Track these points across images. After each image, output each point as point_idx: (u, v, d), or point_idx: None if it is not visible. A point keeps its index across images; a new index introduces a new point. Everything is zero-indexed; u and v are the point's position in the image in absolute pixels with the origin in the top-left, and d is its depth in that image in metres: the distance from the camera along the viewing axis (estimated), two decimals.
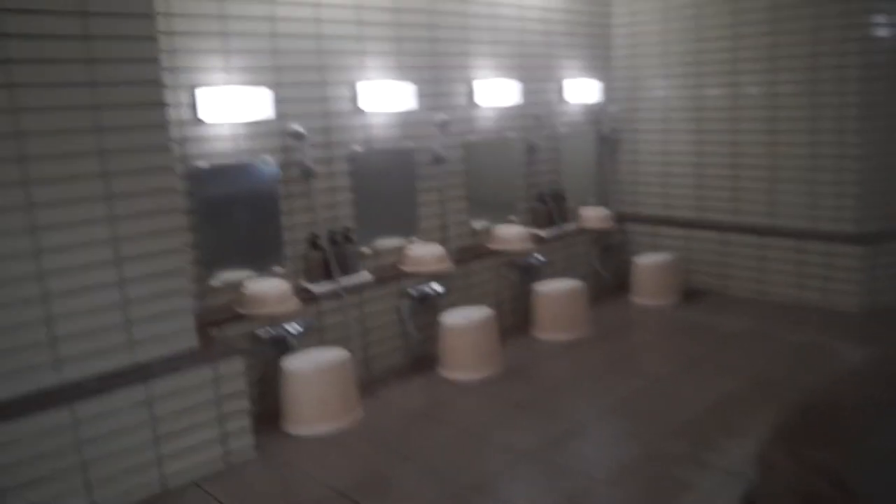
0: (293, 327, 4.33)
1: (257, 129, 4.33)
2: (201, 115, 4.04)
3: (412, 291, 5.00)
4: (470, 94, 5.55)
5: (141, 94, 3.37)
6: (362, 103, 4.79)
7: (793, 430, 3.07)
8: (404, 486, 3.41)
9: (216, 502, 3.35)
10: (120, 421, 3.31)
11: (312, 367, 4.03)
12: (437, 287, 5.08)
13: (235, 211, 4.30)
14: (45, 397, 3.15)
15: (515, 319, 5.82)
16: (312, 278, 4.62)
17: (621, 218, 6.89)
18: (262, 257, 4.45)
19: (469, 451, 3.73)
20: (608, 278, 6.69)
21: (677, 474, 3.40)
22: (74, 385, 3.27)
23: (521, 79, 5.92)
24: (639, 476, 3.41)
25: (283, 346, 4.33)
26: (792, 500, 2.54)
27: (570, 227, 6.33)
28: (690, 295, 6.36)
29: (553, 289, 5.43)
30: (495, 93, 5.65)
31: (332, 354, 4.17)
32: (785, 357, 4.81)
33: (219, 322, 4.11)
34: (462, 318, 4.78)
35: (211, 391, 3.60)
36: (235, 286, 4.32)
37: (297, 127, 4.38)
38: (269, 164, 4.40)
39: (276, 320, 4.31)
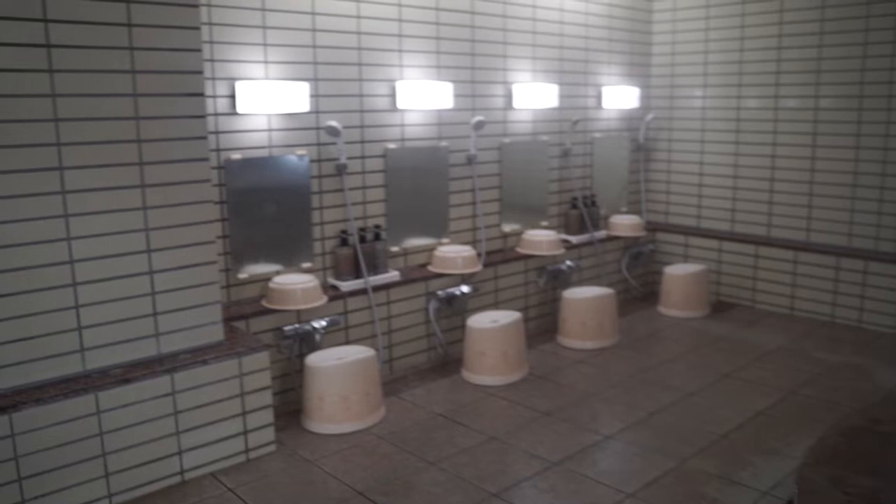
0: (319, 323, 4.29)
1: (292, 123, 4.30)
2: (239, 107, 4.01)
3: (440, 292, 4.95)
4: (506, 95, 5.49)
5: (181, 83, 3.34)
6: (399, 101, 4.74)
7: (834, 454, 2.99)
8: (426, 490, 3.36)
9: (234, 496, 3.31)
10: (143, 411, 3.28)
11: (337, 364, 3.99)
12: (464, 289, 5.02)
13: (267, 204, 4.27)
14: (70, 384, 3.13)
15: (542, 325, 5.76)
16: (340, 275, 4.58)
17: (653, 227, 6.80)
18: (290, 252, 4.42)
19: (493, 457, 3.67)
20: (637, 287, 6.61)
21: (708, 492, 3.32)
22: (99, 373, 3.25)
23: (559, 82, 5.85)
24: (668, 492, 3.33)
25: (308, 341, 4.29)
26: None
27: (600, 234, 6.24)
28: (719, 307, 6.26)
29: (582, 295, 5.35)
30: (532, 96, 5.58)
31: (357, 352, 4.13)
32: (819, 376, 4.70)
33: (245, 315, 4.08)
34: (489, 322, 4.71)
35: (235, 385, 3.57)
36: (263, 280, 4.29)
37: (333, 122, 4.34)
38: (302, 158, 4.37)
39: (302, 316, 4.28)
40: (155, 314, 3.40)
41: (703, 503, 3.24)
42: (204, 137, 3.45)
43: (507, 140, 5.58)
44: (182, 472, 3.44)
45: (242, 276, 4.23)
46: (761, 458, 3.63)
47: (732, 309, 6.25)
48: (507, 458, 3.66)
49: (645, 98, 6.76)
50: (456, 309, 5.07)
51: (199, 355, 3.48)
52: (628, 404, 4.30)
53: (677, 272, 6.12)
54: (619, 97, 6.39)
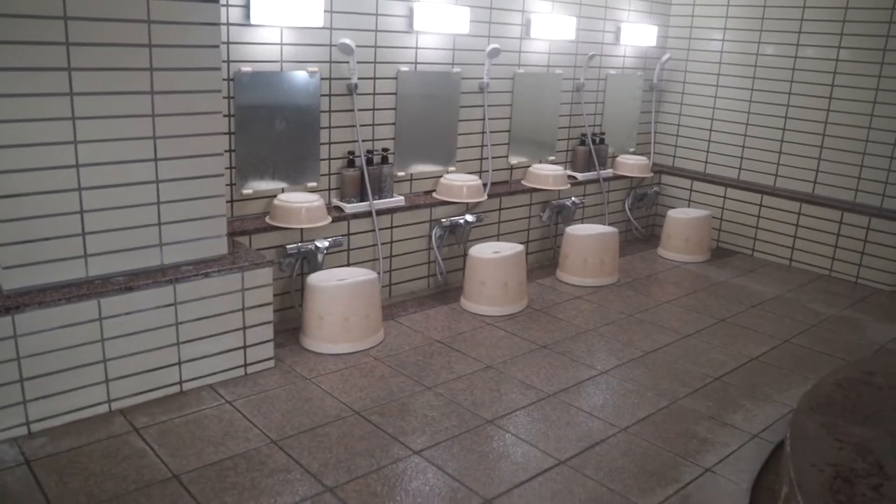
0: (322, 243, 4.28)
1: (305, 38, 4.20)
2: (253, 17, 3.90)
3: (443, 220, 4.93)
4: (524, 24, 5.37)
5: None
6: (415, 22, 4.63)
7: (827, 403, 3.03)
8: (422, 412, 3.40)
9: (231, 408, 3.36)
10: (144, 320, 3.29)
11: (338, 284, 3.99)
12: (468, 218, 5.00)
13: (275, 120, 4.20)
14: (73, 289, 3.13)
15: (542, 259, 5.77)
16: (345, 196, 4.55)
17: (659, 170, 6.75)
18: (296, 170, 4.38)
19: (489, 385, 3.71)
20: (639, 228, 6.60)
21: (700, 432, 3.37)
22: (102, 280, 3.24)
23: (577, 15, 5.72)
24: (660, 428, 3.38)
25: (310, 261, 4.29)
26: (825, 472, 2.50)
27: (606, 172, 6.20)
28: (719, 254, 6.27)
29: (585, 232, 5.34)
30: (549, 26, 5.46)
31: (359, 274, 4.13)
32: (813, 327, 4.73)
33: (248, 231, 4.06)
34: (491, 252, 4.71)
35: (236, 300, 3.57)
36: (267, 197, 4.26)
37: (347, 40, 4.24)
38: (313, 75, 4.28)
39: (305, 235, 4.26)
40: (160, 224, 3.37)
41: (694, 441, 3.29)
42: (217, 46, 3.36)
43: (520, 70, 5.47)
44: (181, 383, 3.48)
45: (247, 191, 4.20)
46: (753, 402, 3.69)
47: (732, 256, 6.26)
48: (502, 387, 3.70)
49: (662, 38, 6.62)
50: (458, 238, 5.06)
51: (201, 268, 3.47)
52: (624, 342, 4.34)
53: (680, 216, 6.10)
54: (637, 34, 6.26)
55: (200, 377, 3.53)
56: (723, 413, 3.56)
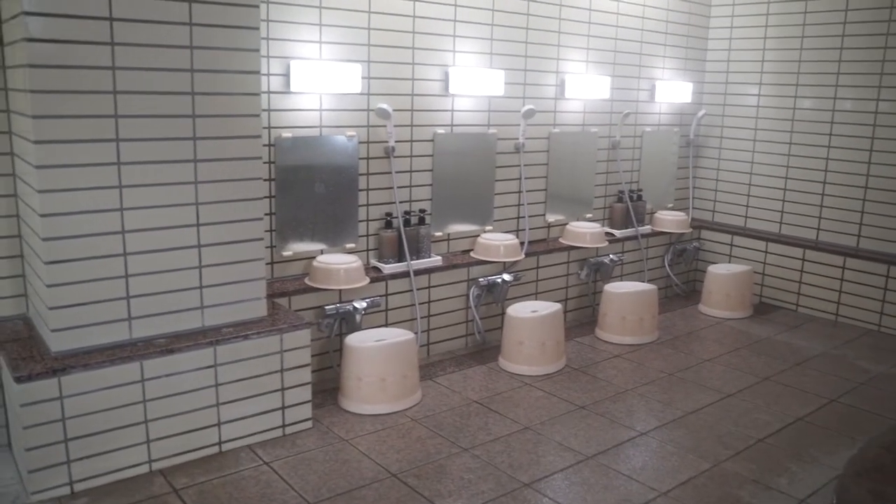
0: (360, 304, 4.33)
1: (343, 104, 4.33)
2: (293, 85, 4.04)
3: (481, 279, 4.95)
4: (558, 85, 5.45)
5: (238, 60, 3.37)
6: (451, 86, 4.74)
7: (875, 467, 2.94)
8: (459, 475, 3.38)
9: (269, 469, 3.37)
10: (185, 381, 3.35)
11: (376, 345, 4.02)
12: (506, 277, 5.02)
13: (314, 183, 4.30)
14: (116, 351, 3.21)
15: (581, 317, 5.74)
16: (383, 257, 4.61)
17: (698, 225, 6.72)
18: (335, 232, 4.46)
19: (527, 447, 3.68)
20: (679, 285, 6.54)
21: (742, 496, 3.29)
22: (145, 342, 3.32)
23: (611, 74, 5.79)
24: (702, 493, 3.30)
25: (348, 321, 4.34)
26: None
27: (645, 228, 6.18)
28: (761, 309, 6.17)
29: (624, 290, 5.32)
30: (584, 86, 5.53)
31: (397, 334, 4.16)
32: (861, 386, 4.61)
33: (287, 293, 4.13)
34: (529, 311, 4.71)
35: (276, 361, 3.62)
36: (307, 258, 4.33)
37: (384, 105, 4.35)
38: (351, 139, 4.39)
39: (343, 295, 4.32)
40: (201, 287, 3.46)
41: None
42: (258, 115, 3.48)
43: (556, 130, 5.54)
44: (220, 444, 3.51)
45: (286, 253, 4.28)
46: (798, 465, 3.59)
47: (775, 312, 6.16)
48: (540, 449, 3.66)
49: (697, 94, 6.66)
50: (496, 297, 5.07)
51: (241, 329, 3.54)
52: (665, 402, 4.27)
53: (721, 271, 6.04)
54: (672, 91, 6.30)
55: (239, 438, 3.57)
56: (767, 477, 3.47)
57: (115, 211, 3.16)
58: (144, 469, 3.30)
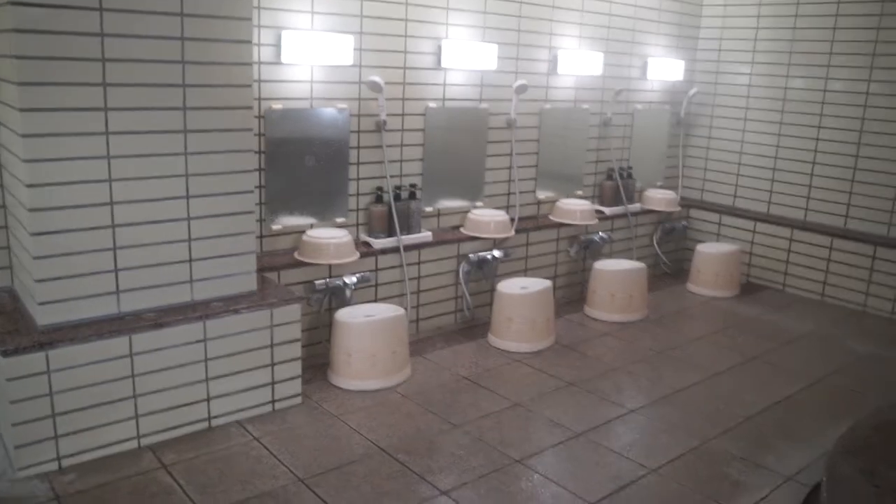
0: (350, 279, 4.30)
1: (335, 76, 4.26)
2: (284, 56, 3.97)
3: (471, 255, 4.93)
4: (551, 61, 5.40)
5: (230, 29, 3.29)
6: (443, 60, 4.67)
7: (865, 446, 2.96)
8: (450, 451, 3.38)
9: (259, 445, 3.35)
10: (174, 356, 3.31)
11: (366, 321, 3.99)
12: (496, 253, 5.00)
13: (304, 156, 4.25)
14: (104, 325, 3.16)
15: (570, 294, 5.73)
16: (373, 232, 4.57)
17: (687, 204, 6.72)
18: (325, 206, 4.41)
19: (517, 423, 3.68)
20: (667, 263, 6.55)
21: (732, 474, 3.31)
22: (133, 316, 3.27)
23: (604, 51, 5.74)
24: (691, 470, 3.32)
25: (338, 296, 4.30)
26: None
27: (634, 206, 6.17)
28: (749, 289, 6.19)
29: (613, 268, 5.31)
30: (576, 62, 5.48)
31: (387, 310, 4.13)
32: (849, 366, 4.64)
33: (277, 267, 4.09)
34: (518, 288, 4.69)
35: (265, 336, 3.58)
36: (296, 232, 4.29)
37: (376, 77, 4.29)
38: (342, 112, 4.33)
39: (333, 270, 4.28)
40: (190, 260, 3.41)
41: (726, 484, 3.23)
42: (249, 86, 3.42)
43: (547, 106, 5.50)
44: (209, 419, 3.48)
45: (276, 227, 4.23)
46: (786, 443, 3.61)
47: (762, 291, 6.19)
48: (530, 426, 3.66)
49: (689, 72, 6.62)
50: (486, 273, 5.05)
51: (231, 304, 3.50)
52: (653, 380, 4.28)
53: (709, 250, 6.05)
54: (664, 69, 6.27)
55: (229, 413, 3.54)
56: (755, 454, 3.49)
57: (103, 182, 3.10)
58: (133, 445, 3.27)
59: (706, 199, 6.80)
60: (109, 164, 3.10)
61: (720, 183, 6.69)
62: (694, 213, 6.73)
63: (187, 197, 3.33)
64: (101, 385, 3.13)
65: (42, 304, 3.05)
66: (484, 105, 5.06)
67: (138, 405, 3.25)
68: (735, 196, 6.60)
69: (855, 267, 5.78)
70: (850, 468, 2.78)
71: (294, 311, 3.67)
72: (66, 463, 3.09)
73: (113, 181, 3.12)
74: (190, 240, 3.38)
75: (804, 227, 6.07)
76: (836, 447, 2.95)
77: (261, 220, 4.13)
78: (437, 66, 4.72)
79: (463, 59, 4.75)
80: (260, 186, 4.08)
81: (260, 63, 3.95)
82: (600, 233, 5.75)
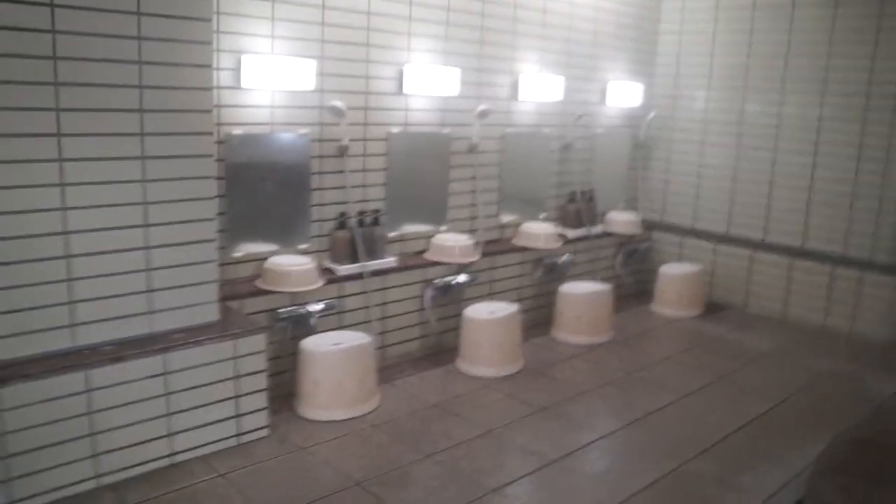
0: (314, 307, 4.19)
1: (296, 101, 4.19)
2: (244, 81, 3.89)
3: (436, 281, 4.86)
4: (512, 85, 5.40)
5: (188, 53, 3.21)
6: (405, 85, 4.64)
7: (842, 464, 2.95)
8: (424, 483, 3.28)
9: (225, 482, 3.22)
10: (134, 391, 3.17)
11: (333, 349, 3.89)
12: (461, 278, 4.94)
13: (265, 182, 4.15)
14: (59, 360, 3.01)
15: (536, 317, 5.69)
16: (337, 259, 4.48)
17: (649, 225, 6.76)
18: (287, 232, 4.31)
19: (490, 451, 3.60)
20: (631, 284, 6.56)
21: (710, 496, 3.27)
22: (90, 350, 3.13)
23: (565, 75, 5.77)
24: (670, 494, 3.28)
25: (302, 325, 4.19)
26: None
27: (596, 229, 6.18)
28: (711, 308, 6.22)
29: (579, 290, 5.29)
30: (537, 87, 5.49)
31: (353, 337, 4.04)
32: (814, 383, 4.67)
33: (239, 295, 3.97)
34: (486, 313, 4.64)
35: (229, 368, 3.46)
36: (258, 259, 4.18)
37: (338, 103, 4.23)
38: (303, 137, 4.25)
39: (296, 298, 4.17)
40: (149, 291, 3.28)
41: None
42: (209, 111, 3.33)
43: (509, 130, 5.49)
44: (172, 455, 3.34)
45: (237, 254, 4.12)
46: (761, 462, 3.60)
47: (724, 310, 6.23)
48: (504, 453, 3.59)
49: (648, 96, 6.69)
50: (451, 298, 4.99)
51: (193, 335, 3.37)
52: (625, 402, 4.25)
53: (672, 271, 6.08)
54: (623, 93, 6.32)
55: (192, 448, 3.40)
56: (731, 476, 3.46)
57: (56, 210, 2.97)
58: (91, 485, 3.11)
59: (667, 220, 6.85)
60: (63, 191, 2.97)
61: (680, 205, 6.75)
62: (655, 234, 6.77)
63: (146, 225, 3.22)
64: (57, 423, 2.98)
65: None
66: (446, 130, 5.03)
67: (96, 443, 3.10)
68: (695, 217, 6.65)
69: (814, 286, 5.85)
70: (830, 488, 2.76)
71: (258, 341, 3.55)
72: None
73: (67, 209, 2.99)
74: (149, 269, 3.26)
75: (764, 247, 6.14)
76: (815, 466, 2.94)
77: (221, 248, 4.01)
78: (399, 91, 4.67)
79: (425, 85, 4.71)
80: (220, 213, 3.96)
81: (219, 88, 3.85)
82: (564, 256, 5.73)
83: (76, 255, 3.04)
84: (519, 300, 5.47)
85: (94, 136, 3.01)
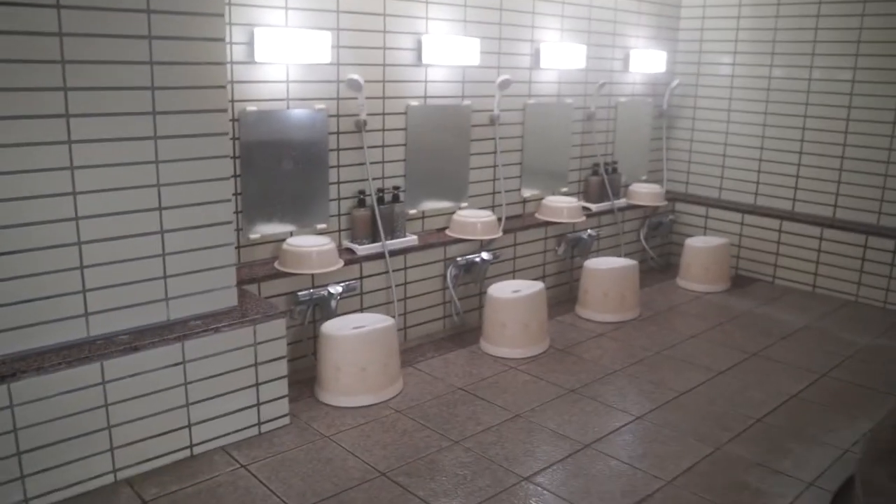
0: (335, 289, 4.07)
1: (312, 75, 4.02)
2: (257, 55, 3.72)
3: (459, 259, 4.72)
4: (533, 55, 5.20)
5: (201, 26, 3.05)
6: (424, 56, 4.46)
7: (891, 450, 2.81)
8: (453, 471, 3.16)
9: (247, 473, 3.11)
10: (151, 381, 3.06)
11: (355, 333, 3.77)
12: (484, 256, 4.79)
13: (282, 160, 4.00)
14: (73, 351, 2.90)
15: (559, 294, 5.55)
16: (357, 238, 4.34)
17: (673, 197, 6.57)
18: (305, 212, 4.17)
19: (520, 437, 3.47)
20: (655, 259, 6.40)
21: (751, 482, 3.14)
22: (105, 340, 3.01)
23: (586, 43, 5.56)
24: (708, 479, 3.15)
25: (322, 307, 4.07)
26: None
27: (620, 202, 6.01)
28: (738, 282, 6.05)
29: (605, 266, 5.14)
30: (559, 56, 5.29)
31: (375, 320, 3.91)
32: (850, 360, 4.51)
33: (257, 279, 3.84)
34: (510, 291, 4.50)
35: (249, 355, 3.34)
36: (276, 241, 4.05)
37: (355, 76, 4.06)
38: (320, 112, 4.09)
39: (316, 280, 4.05)
40: (165, 277, 3.16)
41: (746, 493, 3.06)
42: (223, 87, 3.17)
43: (531, 101, 5.30)
44: (191, 447, 3.24)
45: (254, 236, 3.99)
46: (800, 445, 3.46)
47: (752, 284, 6.06)
48: (534, 438, 3.46)
49: (671, 63, 6.47)
50: (474, 276, 4.85)
51: (211, 322, 3.25)
52: (656, 382, 4.11)
53: (698, 245, 5.91)
54: (646, 61, 6.10)
55: (212, 439, 3.29)
56: (771, 459, 3.33)
57: (66, 195, 2.84)
58: (109, 479, 3.01)
59: (691, 191, 6.66)
60: (73, 175, 2.84)
61: (705, 175, 6.55)
62: (679, 206, 6.58)
63: (160, 209, 3.08)
64: (72, 417, 2.87)
65: (3, 331, 2.78)
66: (466, 102, 4.85)
67: (113, 436, 2.99)
68: (721, 188, 6.46)
69: (845, 257, 5.67)
70: (882, 476, 2.62)
71: (278, 326, 3.43)
72: None
73: (78, 194, 2.86)
74: (164, 255, 3.13)
75: (793, 217, 5.95)
76: (864, 455, 2.80)
77: (238, 230, 3.88)
78: (418, 62, 4.50)
79: (444, 55, 4.53)
80: (236, 193, 3.83)
81: (232, 63, 3.70)
82: (589, 230, 5.57)
83: (88, 242, 2.91)
84: (542, 276, 5.33)
85: (104, 116, 2.86)
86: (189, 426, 3.21)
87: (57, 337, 2.90)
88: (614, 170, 6.03)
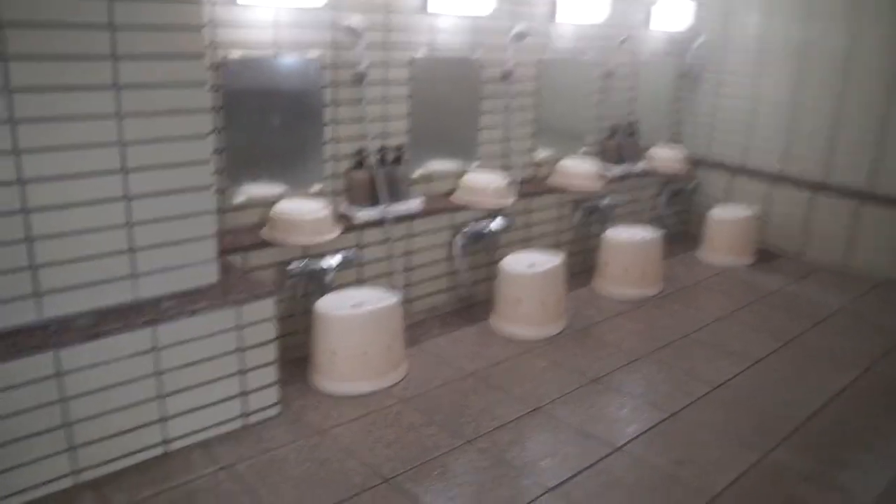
0: (331, 261, 3.62)
1: (304, 19, 3.52)
2: None
3: (468, 226, 4.27)
4: (549, 4, 4.68)
5: None
6: (431, 2, 3.95)
7: None
8: (468, 479, 2.75)
9: (229, 475, 2.70)
10: (117, 372, 2.62)
11: (354, 313, 3.33)
12: (496, 224, 4.34)
13: (270, 115, 3.53)
14: (22, 338, 2.45)
15: (575, 266, 5.09)
16: (354, 203, 3.88)
17: (695, 162, 6.10)
18: (297, 173, 3.71)
19: (542, 437, 3.06)
20: (674, 228, 5.94)
21: (808, 499, 2.74)
22: (61, 324, 2.56)
23: None
24: (759, 494, 2.76)
25: (316, 280, 3.62)
26: None
27: (639, 166, 5.54)
28: (764, 256, 5.61)
29: (626, 238, 4.69)
30: (577, 7, 4.77)
31: (377, 297, 3.47)
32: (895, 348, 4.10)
33: (242, 248, 3.38)
34: (525, 265, 4.06)
35: (232, 339, 2.91)
36: (264, 205, 3.58)
37: (353, 21, 3.56)
38: (314, 61, 3.60)
39: (310, 250, 3.59)
40: (132, 250, 2.70)
41: None
42: (198, 29, 2.68)
43: (546, 56, 4.80)
44: (165, 443, 2.81)
45: (239, 199, 3.53)
46: (856, 453, 3.05)
47: (778, 259, 5.62)
48: (557, 438, 3.05)
49: (696, 18, 5.93)
50: (484, 245, 4.40)
51: (187, 302, 2.80)
52: (686, 372, 3.69)
53: (724, 216, 5.48)
54: (669, 16, 5.58)
55: (190, 434, 2.88)
56: (827, 470, 2.92)
57: (7, 154, 2.36)
58: (68, 482, 2.60)
59: (714, 157, 6.18)
60: (14, 130, 2.35)
61: (729, 141, 6.06)
62: (701, 172, 6.12)
63: (124, 171, 2.61)
64: (23, 414, 2.44)
65: None
66: (477, 55, 4.36)
67: (73, 434, 2.57)
68: (745, 154, 5.98)
69: (881, 232, 5.22)
70: None
71: (266, 306, 2.99)
72: None
73: (22, 153, 2.38)
74: (130, 224, 2.67)
75: (825, 188, 5.49)
76: None
77: (221, 192, 3.40)
78: (424, 9, 3.99)
79: (453, 3, 4.03)
80: (218, 150, 3.34)
81: (212, 2, 3.19)
82: (608, 198, 5.11)
83: (37, 210, 2.45)
84: (556, 245, 4.89)
85: (50, 61, 2.37)
86: (162, 420, 2.78)
87: (2, 321, 2.45)
88: (633, 132, 5.56)
